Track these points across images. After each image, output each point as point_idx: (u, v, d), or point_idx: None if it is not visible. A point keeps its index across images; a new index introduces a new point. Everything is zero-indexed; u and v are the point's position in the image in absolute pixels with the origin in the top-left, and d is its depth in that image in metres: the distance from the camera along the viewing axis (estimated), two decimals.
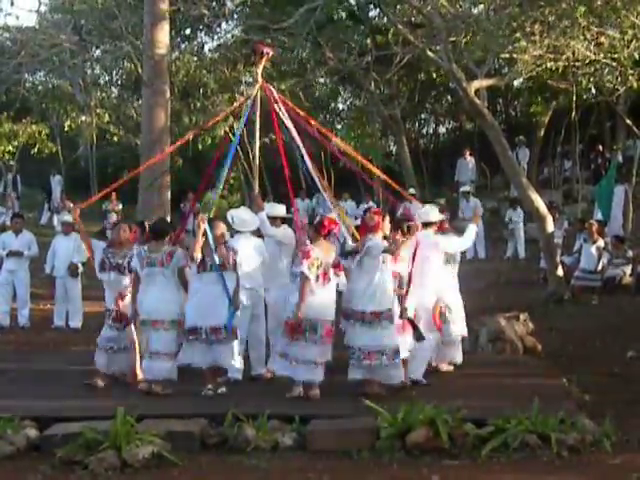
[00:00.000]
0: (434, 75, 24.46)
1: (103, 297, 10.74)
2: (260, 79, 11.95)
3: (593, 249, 17.22)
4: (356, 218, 13.01)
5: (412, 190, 23.18)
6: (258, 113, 11.81)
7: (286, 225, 11.16)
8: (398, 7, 18.34)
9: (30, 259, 16.07)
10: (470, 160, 26.53)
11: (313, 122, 12.55)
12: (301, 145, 11.78)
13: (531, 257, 21.00)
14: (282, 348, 9.66)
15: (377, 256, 9.68)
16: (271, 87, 12.32)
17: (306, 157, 11.72)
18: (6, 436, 8.26)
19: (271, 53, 12.28)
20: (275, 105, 11.94)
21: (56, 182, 28.77)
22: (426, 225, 10.60)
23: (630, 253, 17.42)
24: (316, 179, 11.86)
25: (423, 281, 10.21)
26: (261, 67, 12.03)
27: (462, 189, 23.98)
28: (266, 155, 13.16)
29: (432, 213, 10.89)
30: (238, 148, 12.25)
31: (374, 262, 9.71)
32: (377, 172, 13.98)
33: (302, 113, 12.48)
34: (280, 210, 11.19)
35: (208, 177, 12.27)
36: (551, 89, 23.24)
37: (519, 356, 12.29)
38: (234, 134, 13.54)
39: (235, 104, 13.31)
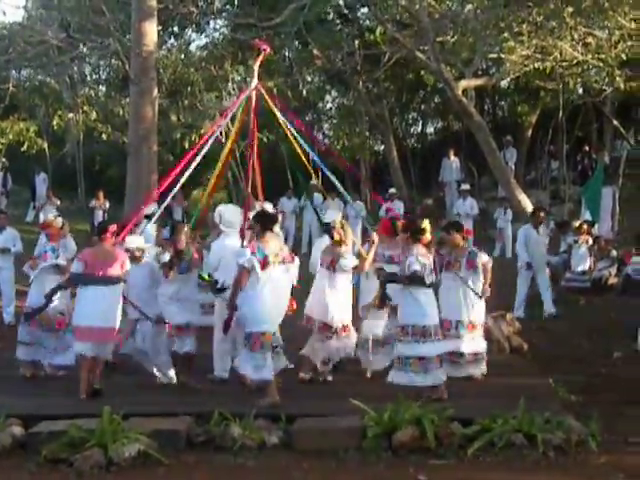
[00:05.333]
0: (422, 75, 24.47)
1: None
2: (256, 78, 11.92)
3: (583, 250, 17.24)
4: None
5: (393, 190, 23.25)
6: (253, 111, 11.76)
7: None
8: (386, 6, 18.34)
9: (15, 256, 15.98)
10: (454, 160, 26.48)
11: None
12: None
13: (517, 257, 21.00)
14: None
15: None
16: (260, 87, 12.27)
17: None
18: None
19: (268, 50, 12.26)
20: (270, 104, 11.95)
21: (40, 180, 28.61)
22: None
23: (614, 253, 17.43)
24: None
25: None
26: (258, 64, 12.01)
27: (462, 187, 23.96)
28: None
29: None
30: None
31: None
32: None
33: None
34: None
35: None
36: (538, 89, 23.29)
37: (505, 356, 12.31)
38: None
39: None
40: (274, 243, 9.59)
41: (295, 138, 11.99)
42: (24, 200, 29.29)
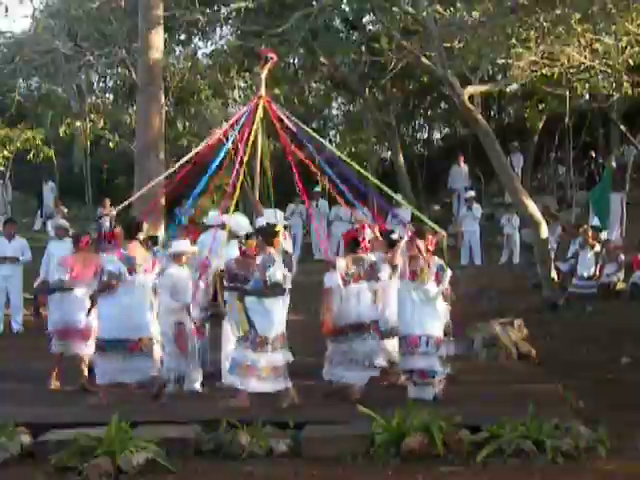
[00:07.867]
0: (428, 81, 24.41)
1: None
2: (263, 86, 11.90)
3: (590, 255, 17.18)
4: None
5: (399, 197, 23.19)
6: (259, 119, 11.75)
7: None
8: (393, 13, 18.31)
9: (23, 265, 16.00)
10: (464, 167, 26.44)
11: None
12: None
13: (525, 263, 20.97)
14: None
15: None
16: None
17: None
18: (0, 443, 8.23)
19: (275, 58, 12.22)
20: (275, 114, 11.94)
21: (48, 189, 28.67)
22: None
23: (622, 257, 17.36)
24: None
25: None
26: (265, 73, 11.97)
27: (467, 195, 23.86)
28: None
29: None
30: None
31: None
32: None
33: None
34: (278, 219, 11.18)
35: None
36: (545, 95, 23.26)
37: (513, 362, 12.29)
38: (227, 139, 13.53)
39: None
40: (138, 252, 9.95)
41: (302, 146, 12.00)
42: (31, 209, 29.35)
